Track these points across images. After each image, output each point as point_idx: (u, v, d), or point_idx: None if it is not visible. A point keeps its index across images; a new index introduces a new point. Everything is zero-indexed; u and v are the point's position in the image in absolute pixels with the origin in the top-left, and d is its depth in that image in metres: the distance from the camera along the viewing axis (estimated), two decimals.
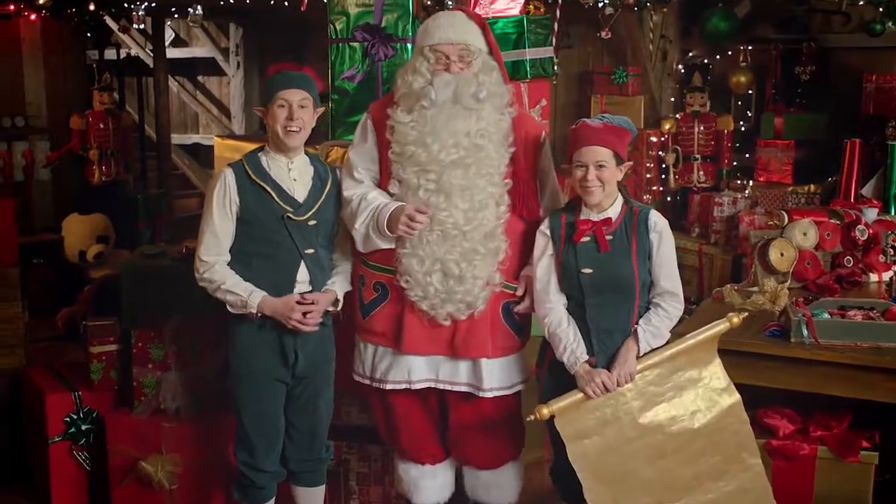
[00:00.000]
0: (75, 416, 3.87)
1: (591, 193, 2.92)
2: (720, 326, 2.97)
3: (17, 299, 4.39)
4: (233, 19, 9.01)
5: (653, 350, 2.93)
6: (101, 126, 7.14)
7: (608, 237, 2.93)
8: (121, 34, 8.57)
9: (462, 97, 3.00)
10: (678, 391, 2.94)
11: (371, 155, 3.19)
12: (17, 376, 4.31)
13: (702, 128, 6.18)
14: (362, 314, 3.21)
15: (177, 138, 9.38)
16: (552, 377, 3.02)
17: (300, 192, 3.13)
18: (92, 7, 7.10)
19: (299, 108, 3.07)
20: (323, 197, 3.16)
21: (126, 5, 7.28)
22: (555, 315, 2.98)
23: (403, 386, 3.15)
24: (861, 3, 5.38)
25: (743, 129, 6.46)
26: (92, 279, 6.06)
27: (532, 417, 2.86)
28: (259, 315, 3.08)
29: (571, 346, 2.92)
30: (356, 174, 3.19)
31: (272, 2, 6.86)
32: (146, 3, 7.22)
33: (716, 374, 2.97)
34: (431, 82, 3.01)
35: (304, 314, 3.08)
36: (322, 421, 3.30)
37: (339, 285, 3.21)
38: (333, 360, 3.29)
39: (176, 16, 7.98)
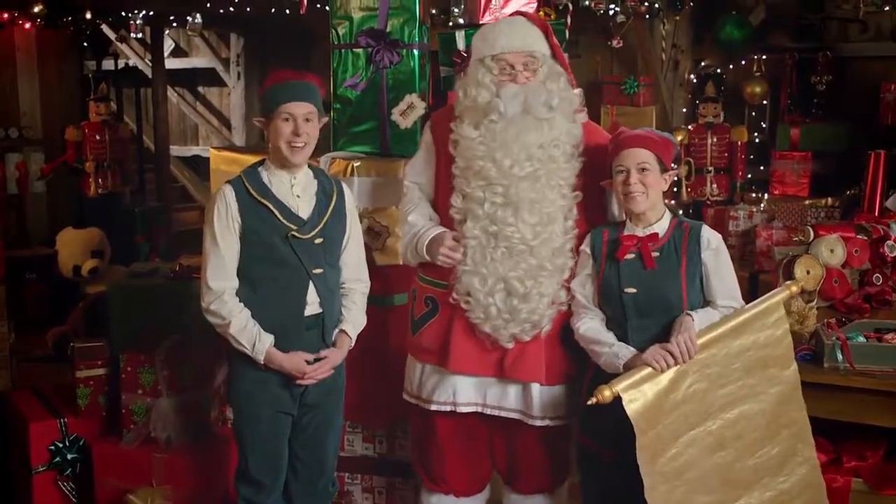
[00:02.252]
0: (61, 445, 3.71)
1: (634, 199, 2.74)
2: (780, 294, 2.81)
3: (2, 318, 4.19)
4: (233, 29, 8.92)
5: (710, 326, 2.71)
6: (98, 137, 7.04)
7: (654, 254, 2.75)
8: (119, 44, 8.47)
9: (533, 108, 2.83)
10: (745, 373, 2.74)
11: (424, 167, 3.07)
12: (1, 401, 4.10)
13: (715, 139, 6.03)
14: (412, 330, 3.05)
15: (176, 150, 9.31)
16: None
17: (304, 209, 2.93)
18: (88, 16, 7.04)
19: (304, 122, 2.87)
20: (328, 213, 2.96)
21: (124, 14, 7.20)
22: (592, 322, 2.80)
23: (448, 408, 2.97)
24: (887, 8, 5.18)
25: (757, 140, 6.31)
26: (86, 295, 5.90)
27: (594, 401, 2.58)
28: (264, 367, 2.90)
29: (619, 343, 2.71)
30: (404, 184, 3.11)
31: (273, 10, 6.75)
32: (144, 12, 7.13)
33: (781, 342, 2.79)
34: (498, 94, 2.84)
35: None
36: (329, 455, 3.10)
37: (352, 323, 3.02)
38: (343, 388, 3.09)
39: (175, 25, 7.86)
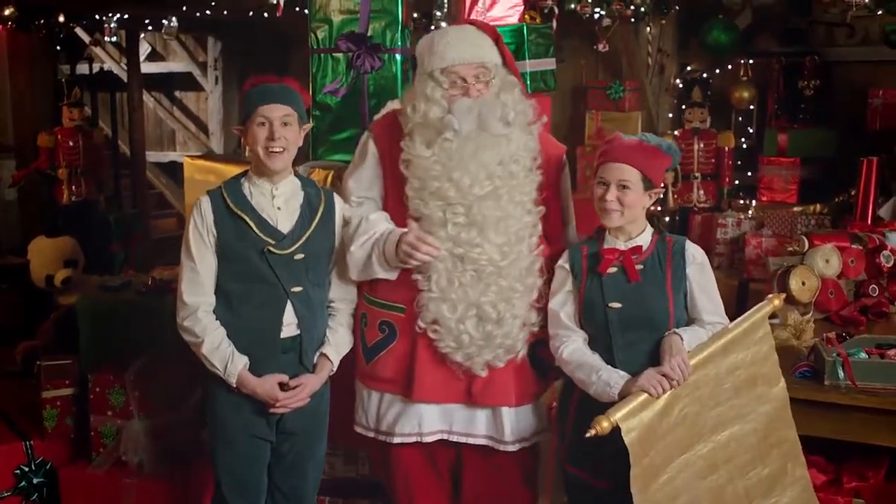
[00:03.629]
0: (27, 469, 3.59)
1: (609, 216, 2.63)
2: (764, 309, 2.74)
3: None
4: (211, 32, 8.84)
5: (699, 346, 2.61)
6: (71, 143, 6.91)
7: (638, 267, 2.64)
8: (93, 48, 8.33)
9: (489, 124, 2.68)
10: (734, 392, 2.66)
11: (372, 182, 2.86)
12: None
13: (702, 145, 5.97)
14: (365, 358, 2.88)
15: (153, 156, 9.25)
16: (581, 422, 2.59)
17: (285, 223, 2.78)
18: (62, 19, 6.89)
19: (282, 126, 2.73)
20: (312, 227, 2.81)
21: (98, 17, 7.05)
22: (575, 345, 2.66)
23: (413, 439, 2.82)
24: (880, 12, 5.11)
25: (744, 146, 6.26)
26: (59, 306, 5.75)
27: (592, 433, 2.43)
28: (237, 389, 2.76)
29: (607, 368, 2.58)
30: (353, 202, 2.87)
31: (251, 13, 6.65)
32: (119, 16, 7.00)
33: (768, 358, 2.73)
34: (450, 110, 2.69)
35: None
36: (310, 485, 2.94)
37: (335, 346, 2.87)
38: (326, 415, 2.94)
39: (150, 29, 7.73)
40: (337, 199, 2.91)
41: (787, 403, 2.78)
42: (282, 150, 2.73)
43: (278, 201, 2.79)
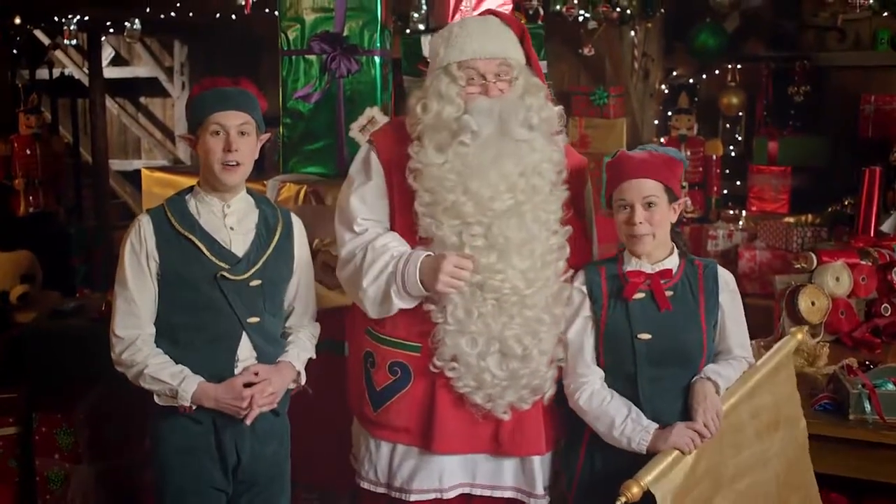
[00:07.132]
0: None
1: (640, 241, 2.38)
2: (788, 346, 2.61)
3: None
4: (177, 36, 8.65)
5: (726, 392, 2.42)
6: (28, 152, 6.76)
7: (668, 293, 2.39)
8: (53, 51, 8.10)
9: (510, 127, 2.38)
10: (756, 438, 2.48)
11: (380, 202, 2.53)
12: None
13: (688, 153, 5.85)
14: (373, 405, 2.56)
15: (117, 164, 9.04)
16: (594, 466, 2.41)
17: (239, 245, 2.50)
18: (18, 21, 6.63)
19: (239, 136, 2.46)
20: (270, 250, 2.54)
21: (57, 19, 6.78)
22: (592, 389, 2.41)
23: (433, 496, 2.52)
24: (886, 14, 4.93)
25: (733, 154, 6.14)
26: (14, 324, 5.46)
27: (623, 500, 2.17)
28: (195, 409, 2.44)
29: (632, 416, 2.34)
30: (356, 226, 2.53)
31: (218, 15, 6.41)
32: (79, 18, 6.74)
33: (791, 398, 2.61)
34: (467, 110, 2.39)
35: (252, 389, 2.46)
36: None
37: (295, 353, 2.58)
38: (287, 462, 2.65)
39: (112, 31, 7.48)
40: (295, 219, 2.65)
41: (807, 443, 2.61)
42: (238, 163, 2.46)
43: (230, 220, 2.52)
